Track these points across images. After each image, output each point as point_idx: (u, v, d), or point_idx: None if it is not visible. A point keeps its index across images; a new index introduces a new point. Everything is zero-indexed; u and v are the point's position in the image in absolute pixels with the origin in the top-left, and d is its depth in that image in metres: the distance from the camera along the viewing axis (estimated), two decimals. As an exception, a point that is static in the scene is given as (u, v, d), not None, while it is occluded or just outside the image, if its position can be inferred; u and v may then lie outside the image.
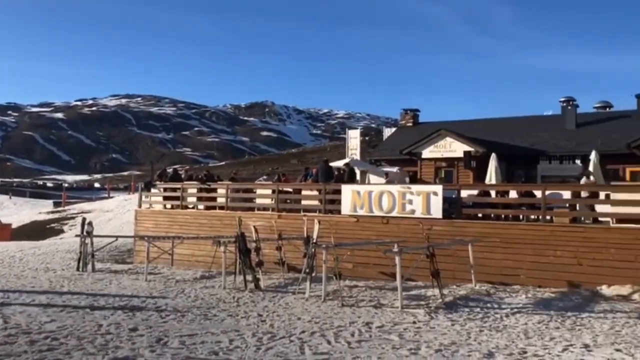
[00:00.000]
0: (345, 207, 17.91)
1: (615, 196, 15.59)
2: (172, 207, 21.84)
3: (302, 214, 18.29)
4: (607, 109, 28.15)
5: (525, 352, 7.60)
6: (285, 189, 20.74)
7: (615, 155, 20.58)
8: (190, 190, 21.98)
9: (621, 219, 15.05)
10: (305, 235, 15.62)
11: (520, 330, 9.21)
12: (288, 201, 20.38)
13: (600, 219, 15.44)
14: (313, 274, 13.36)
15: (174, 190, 21.91)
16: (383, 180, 21.29)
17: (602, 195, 15.81)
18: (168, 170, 25.97)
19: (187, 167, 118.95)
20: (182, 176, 24.95)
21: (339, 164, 23.50)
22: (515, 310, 11.05)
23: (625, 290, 13.18)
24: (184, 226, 20.67)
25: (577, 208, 16.34)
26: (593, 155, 18.58)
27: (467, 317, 10.23)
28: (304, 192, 20.13)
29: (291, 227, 17.70)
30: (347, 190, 18.03)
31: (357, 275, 16.00)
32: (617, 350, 7.88)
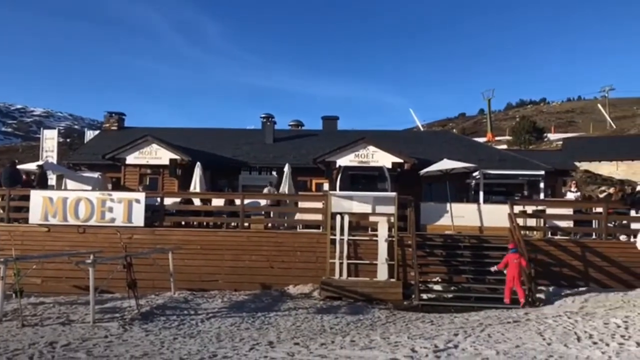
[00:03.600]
0: (35, 216, 16.13)
1: (302, 204, 17.55)
2: None
3: (-23, 223, 15.79)
4: (299, 127, 31.51)
5: (216, 355, 7.86)
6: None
7: (304, 169, 23.13)
8: None
9: (306, 224, 17.02)
10: (-21, 248, 13.48)
11: (213, 334, 9.54)
12: (-40, 209, 17.36)
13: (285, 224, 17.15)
14: (-12, 293, 11.56)
15: None
16: (82, 186, 19.77)
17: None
18: None
19: None
20: None
21: (30, 166, 21.00)
22: (211, 315, 11.42)
23: (307, 288, 14.88)
24: None
25: (272, 215, 17.86)
26: (287, 168, 20.54)
27: (163, 326, 10.16)
28: (-19, 199, 17.40)
29: (-38, 240, 15.09)
30: (37, 197, 16.27)
31: (47, 290, 14.56)
32: (296, 344, 8.77)
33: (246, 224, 16.63)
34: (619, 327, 9.31)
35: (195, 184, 20.28)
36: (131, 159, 23.23)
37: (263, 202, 17.87)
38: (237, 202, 17.00)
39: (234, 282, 15.26)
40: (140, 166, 23.55)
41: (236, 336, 9.43)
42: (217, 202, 17.97)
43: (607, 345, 8.07)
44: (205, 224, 17.49)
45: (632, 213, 15.81)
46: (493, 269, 13.66)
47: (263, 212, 17.71)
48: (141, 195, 16.51)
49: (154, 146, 23.19)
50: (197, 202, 17.90)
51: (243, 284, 15.14)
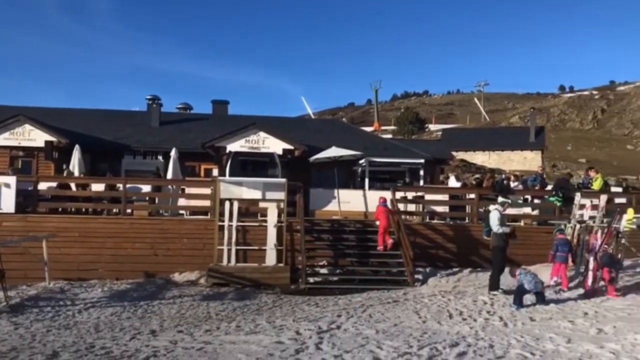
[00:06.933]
0: None
1: (190, 190, 17.16)
2: None
3: None
4: (188, 111, 30.65)
5: (94, 346, 7.52)
6: None
7: (193, 154, 22.54)
8: None
9: (194, 211, 16.70)
10: None
11: (91, 325, 9.12)
12: None
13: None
14: None
15: None
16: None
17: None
18: None
19: None
20: None
21: None
22: (90, 305, 10.90)
23: (194, 275, 14.63)
24: None
25: (157, 201, 17.29)
26: (173, 153, 19.91)
27: (35, 319, 9.54)
28: None
29: None
30: None
31: None
32: (180, 332, 8.62)
33: (129, 211, 15.98)
34: (485, 304, 10.15)
35: (74, 168, 19.11)
36: (0, 140, 21.35)
37: (147, 187, 17.24)
38: (120, 187, 16.28)
39: (116, 270, 14.63)
40: (11, 148, 21.71)
41: (116, 326, 9.08)
42: (98, 187, 17.11)
43: (475, 320, 8.78)
44: (84, 210, 16.56)
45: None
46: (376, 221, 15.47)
47: (147, 198, 17.10)
48: (11, 179, 15.30)
49: (27, 127, 21.44)
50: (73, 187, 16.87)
51: (125, 273, 14.56)
